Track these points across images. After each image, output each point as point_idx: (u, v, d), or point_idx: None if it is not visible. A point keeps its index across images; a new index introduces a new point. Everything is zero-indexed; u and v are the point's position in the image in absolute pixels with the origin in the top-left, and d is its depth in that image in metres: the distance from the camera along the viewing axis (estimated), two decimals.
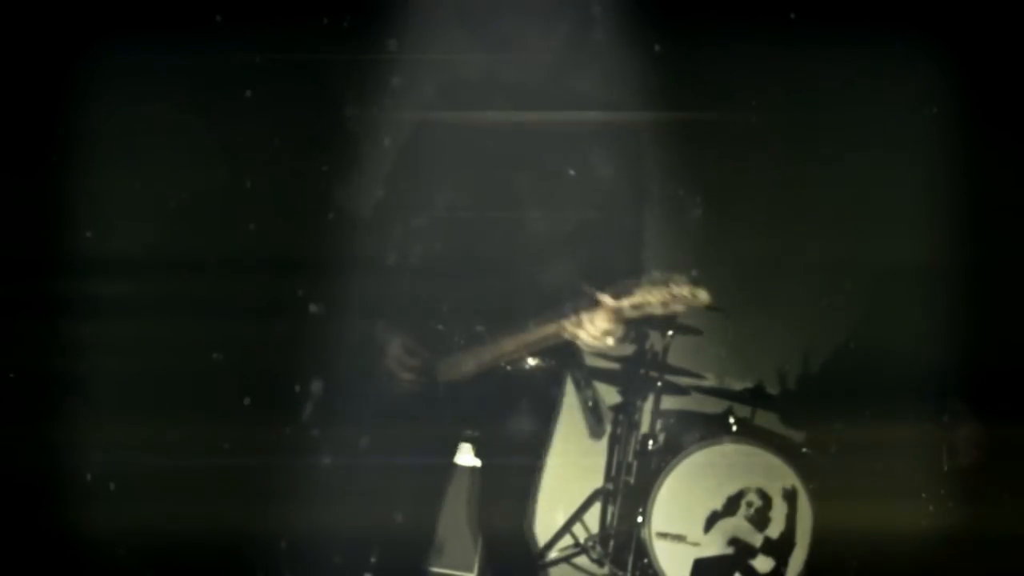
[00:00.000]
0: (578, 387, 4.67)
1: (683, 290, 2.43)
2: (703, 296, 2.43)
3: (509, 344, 2.74)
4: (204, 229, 4.79)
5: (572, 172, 2.83)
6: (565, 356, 2.88)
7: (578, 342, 2.64)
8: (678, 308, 2.46)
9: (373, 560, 3.03)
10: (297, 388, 4.44)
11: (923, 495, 4.41)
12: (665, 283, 2.46)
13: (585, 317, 2.58)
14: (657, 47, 4.22)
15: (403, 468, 2.92)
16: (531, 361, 2.84)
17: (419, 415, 2.89)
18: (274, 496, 4.22)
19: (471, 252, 2.82)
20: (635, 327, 2.71)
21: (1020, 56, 4.42)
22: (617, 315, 2.53)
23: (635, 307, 2.50)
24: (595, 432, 4.91)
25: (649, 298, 2.47)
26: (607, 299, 2.53)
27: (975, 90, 4.47)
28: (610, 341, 2.59)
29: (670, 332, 4.75)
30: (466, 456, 3.09)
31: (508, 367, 2.82)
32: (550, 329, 2.67)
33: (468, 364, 2.80)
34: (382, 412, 2.95)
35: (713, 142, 4.90)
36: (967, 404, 4.53)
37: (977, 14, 4.33)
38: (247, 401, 4.52)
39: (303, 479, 4.26)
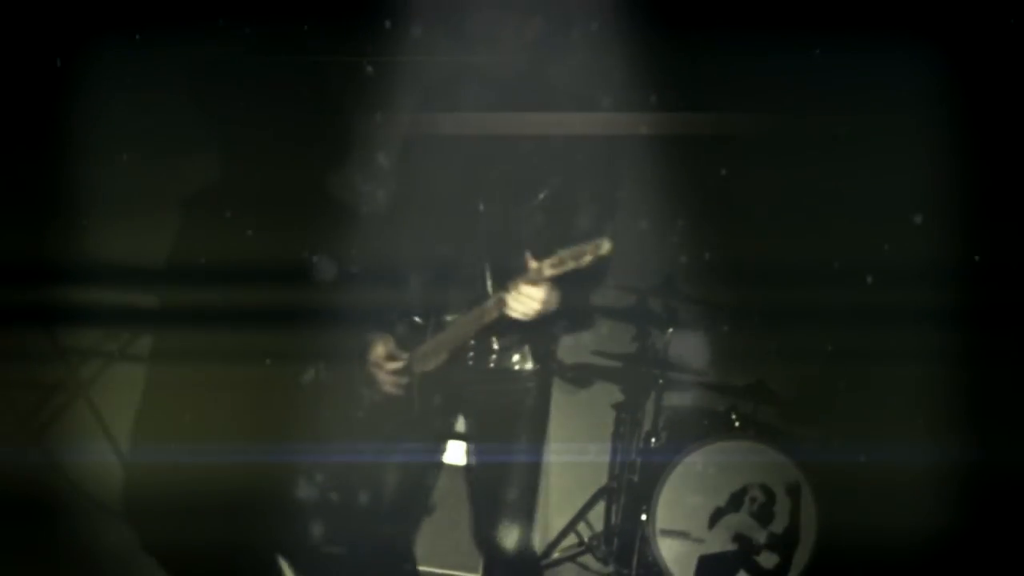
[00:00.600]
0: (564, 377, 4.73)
1: (590, 244, 2.62)
2: (607, 247, 2.61)
3: (461, 326, 2.87)
4: (202, 229, 4.80)
5: (565, 172, 2.87)
6: (540, 353, 2.94)
7: (512, 312, 2.76)
8: (587, 260, 2.62)
9: (372, 560, 3.04)
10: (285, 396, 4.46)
11: (925, 491, 4.41)
12: (577, 242, 2.66)
13: (512, 285, 2.74)
14: (651, 52, 4.24)
15: (400, 468, 2.95)
16: (516, 364, 2.89)
17: (406, 416, 2.94)
18: (275, 498, 4.23)
19: (453, 245, 2.93)
20: (568, 293, 2.82)
21: (1020, 57, 4.40)
22: (539, 275, 2.69)
23: (553, 265, 2.66)
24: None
25: (563, 254, 2.64)
26: (530, 262, 2.69)
27: (974, 93, 4.46)
28: (537, 305, 2.73)
29: (671, 329, 4.74)
30: (459, 456, 3.12)
31: (493, 366, 2.87)
32: (492, 304, 2.80)
33: (439, 354, 2.90)
34: (372, 413, 3.01)
35: (712, 143, 4.89)
36: (966, 402, 4.52)
37: (976, 16, 4.32)
38: (246, 404, 4.54)
39: (302, 479, 4.27)
